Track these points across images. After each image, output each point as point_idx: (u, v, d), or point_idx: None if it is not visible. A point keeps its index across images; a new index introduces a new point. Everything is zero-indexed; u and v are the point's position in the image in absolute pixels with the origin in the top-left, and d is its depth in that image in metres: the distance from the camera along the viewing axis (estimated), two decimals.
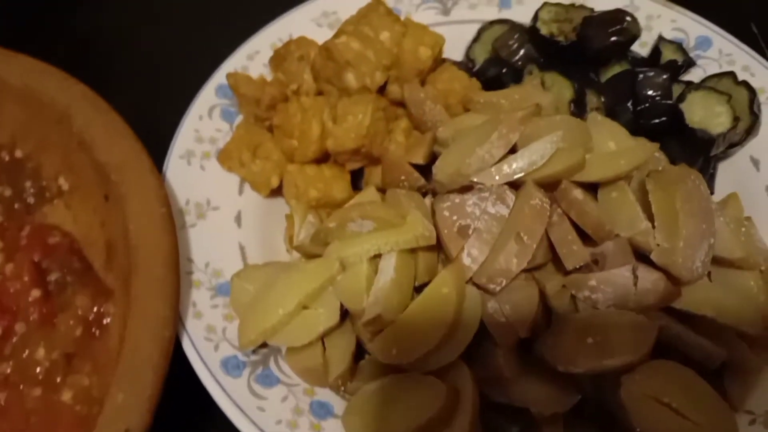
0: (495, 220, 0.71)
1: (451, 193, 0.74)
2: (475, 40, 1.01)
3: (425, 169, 0.80)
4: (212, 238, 0.83)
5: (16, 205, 0.85)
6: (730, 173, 0.89)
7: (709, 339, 0.69)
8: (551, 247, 0.71)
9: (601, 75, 0.94)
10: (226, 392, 0.71)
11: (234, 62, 0.95)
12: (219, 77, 0.94)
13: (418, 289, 0.72)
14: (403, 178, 0.79)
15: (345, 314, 0.74)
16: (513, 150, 0.75)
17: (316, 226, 0.79)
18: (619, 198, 0.73)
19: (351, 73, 0.85)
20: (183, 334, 0.74)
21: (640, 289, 0.69)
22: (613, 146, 0.79)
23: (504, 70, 0.94)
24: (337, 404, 0.72)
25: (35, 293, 0.75)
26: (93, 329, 0.75)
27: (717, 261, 0.73)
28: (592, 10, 0.96)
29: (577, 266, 0.69)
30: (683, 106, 0.86)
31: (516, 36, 0.97)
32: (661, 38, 0.97)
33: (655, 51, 0.97)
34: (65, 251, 0.80)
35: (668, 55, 0.95)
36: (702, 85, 0.89)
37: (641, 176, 0.75)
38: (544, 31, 0.94)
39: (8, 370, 0.72)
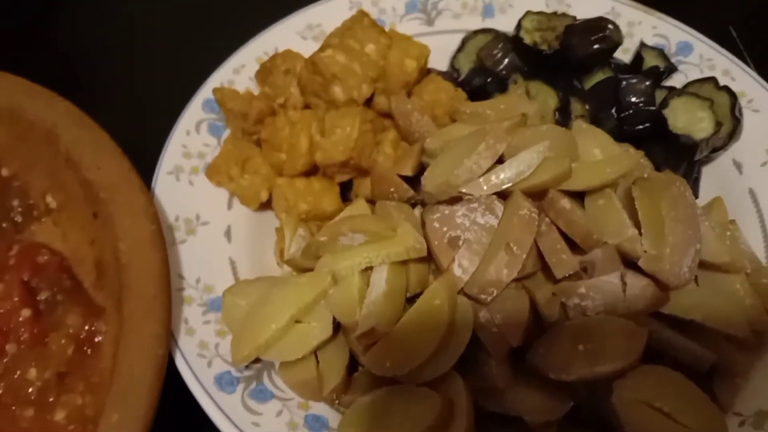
0: (484, 231, 0.72)
1: (440, 205, 0.74)
2: (460, 50, 1.02)
3: (414, 180, 0.81)
4: (203, 254, 0.83)
5: (4, 224, 0.84)
6: (713, 177, 0.90)
7: (697, 343, 0.70)
8: (540, 256, 0.72)
9: (584, 82, 0.95)
10: (220, 408, 0.71)
11: (220, 76, 0.95)
12: (205, 92, 0.94)
13: (410, 301, 0.73)
14: (392, 189, 0.80)
15: (338, 327, 0.74)
16: (500, 160, 0.75)
17: (307, 240, 0.79)
18: (605, 206, 0.74)
19: (338, 86, 0.86)
20: (176, 351, 0.74)
21: (629, 295, 0.70)
22: (598, 153, 0.80)
23: (489, 80, 0.95)
24: (332, 417, 0.73)
25: (25, 313, 0.74)
26: (85, 348, 0.75)
27: (703, 265, 0.74)
28: (574, 18, 0.97)
29: (567, 275, 0.70)
30: (666, 112, 0.87)
31: (500, 45, 0.98)
32: (642, 44, 0.99)
33: (638, 57, 0.98)
34: (55, 270, 0.79)
35: (650, 61, 0.97)
36: (684, 90, 0.90)
37: (627, 183, 0.76)
38: (527, 40, 0.95)
39: (0, 392, 0.72)
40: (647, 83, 0.89)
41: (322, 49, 0.89)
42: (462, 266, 0.71)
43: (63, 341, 0.74)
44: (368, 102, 0.89)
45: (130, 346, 0.66)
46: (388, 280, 0.70)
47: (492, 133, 0.75)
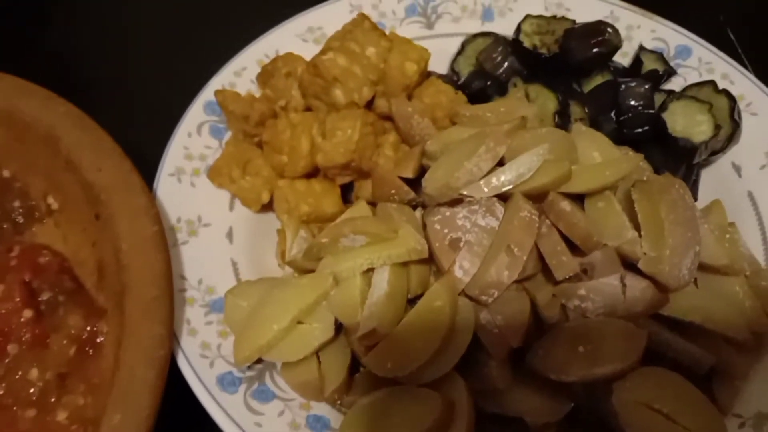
0: (485, 233, 0.72)
1: (441, 206, 0.75)
2: (459, 53, 1.02)
3: (414, 183, 0.81)
4: (204, 255, 0.83)
5: (5, 225, 0.84)
6: (712, 180, 0.90)
7: (696, 345, 0.70)
8: (540, 258, 0.72)
9: (583, 86, 0.95)
10: (222, 409, 0.71)
11: (221, 79, 0.96)
12: (207, 94, 0.94)
13: (411, 303, 0.73)
14: (393, 191, 0.80)
15: (339, 328, 0.74)
16: (501, 163, 0.76)
17: (308, 241, 0.80)
18: (605, 208, 0.74)
19: (339, 89, 0.86)
20: (178, 352, 0.74)
21: (628, 297, 0.70)
22: (597, 156, 0.81)
23: (489, 83, 0.96)
24: (334, 418, 0.73)
25: (27, 314, 0.74)
26: (86, 348, 0.75)
27: (702, 267, 0.74)
28: (573, 21, 0.98)
29: (567, 276, 0.70)
30: (665, 116, 0.88)
31: (499, 49, 0.98)
32: (641, 48, 0.99)
33: (637, 61, 0.98)
34: (56, 271, 0.79)
35: (649, 64, 0.97)
36: (683, 94, 0.91)
37: (626, 186, 0.76)
38: (527, 43, 0.96)
39: (1, 392, 0.71)
40: (646, 86, 0.89)
41: (323, 51, 0.89)
42: (463, 268, 0.71)
43: (64, 342, 0.74)
44: (369, 105, 0.89)
45: (132, 347, 0.67)
46: (389, 281, 0.71)
47: (492, 135, 0.75)
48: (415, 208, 0.80)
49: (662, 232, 0.71)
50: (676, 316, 0.71)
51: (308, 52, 0.94)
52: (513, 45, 0.98)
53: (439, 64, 1.01)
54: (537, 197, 0.74)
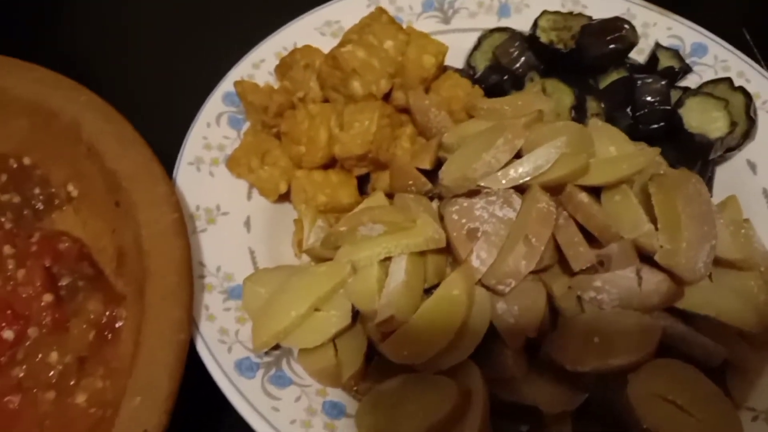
0: (503, 223, 0.73)
1: (458, 197, 0.75)
2: (476, 48, 1.03)
3: (431, 174, 0.82)
4: (223, 243, 0.84)
5: (25, 212, 0.85)
6: (727, 176, 0.91)
7: (710, 338, 0.70)
8: (557, 249, 0.72)
9: (600, 82, 0.96)
10: (240, 393, 0.71)
11: (240, 71, 0.96)
12: (226, 85, 0.95)
13: (427, 293, 0.74)
14: (410, 182, 0.81)
15: (356, 316, 0.75)
16: (518, 155, 0.77)
17: (325, 230, 0.80)
18: (622, 201, 0.74)
19: (357, 81, 0.87)
20: (197, 337, 0.75)
21: (644, 289, 0.70)
22: (613, 151, 0.81)
23: (505, 77, 0.96)
24: (350, 404, 0.73)
25: (47, 298, 0.75)
26: (105, 333, 0.75)
27: (717, 262, 0.74)
28: (590, 18, 0.98)
29: (584, 267, 0.71)
30: (681, 112, 0.88)
31: (516, 44, 0.99)
32: (657, 45, 1.00)
33: (653, 58, 0.99)
34: (75, 257, 0.80)
35: (665, 61, 0.97)
36: (699, 90, 0.91)
37: (643, 180, 0.76)
38: (543, 38, 0.96)
39: (21, 375, 0.72)
40: (663, 83, 0.90)
41: (341, 44, 0.90)
42: (480, 257, 0.71)
43: (84, 326, 0.75)
44: (386, 97, 0.90)
45: (152, 331, 0.67)
46: (407, 270, 0.71)
47: (510, 128, 0.76)
48: (431, 200, 0.81)
49: (679, 226, 0.71)
50: (690, 309, 0.71)
51: (326, 45, 0.95)
52: (530, 40, 0.98)
53: (456, 59, 1.02)
54: (554, 189, 0.74)
